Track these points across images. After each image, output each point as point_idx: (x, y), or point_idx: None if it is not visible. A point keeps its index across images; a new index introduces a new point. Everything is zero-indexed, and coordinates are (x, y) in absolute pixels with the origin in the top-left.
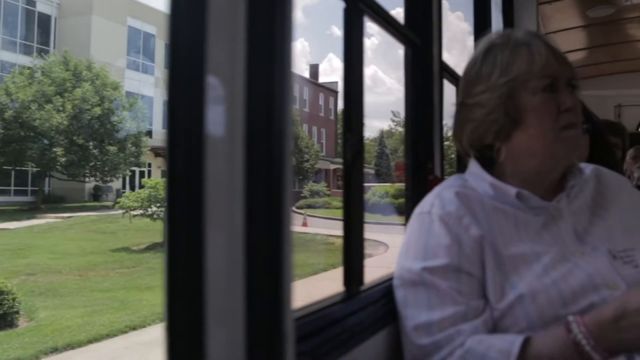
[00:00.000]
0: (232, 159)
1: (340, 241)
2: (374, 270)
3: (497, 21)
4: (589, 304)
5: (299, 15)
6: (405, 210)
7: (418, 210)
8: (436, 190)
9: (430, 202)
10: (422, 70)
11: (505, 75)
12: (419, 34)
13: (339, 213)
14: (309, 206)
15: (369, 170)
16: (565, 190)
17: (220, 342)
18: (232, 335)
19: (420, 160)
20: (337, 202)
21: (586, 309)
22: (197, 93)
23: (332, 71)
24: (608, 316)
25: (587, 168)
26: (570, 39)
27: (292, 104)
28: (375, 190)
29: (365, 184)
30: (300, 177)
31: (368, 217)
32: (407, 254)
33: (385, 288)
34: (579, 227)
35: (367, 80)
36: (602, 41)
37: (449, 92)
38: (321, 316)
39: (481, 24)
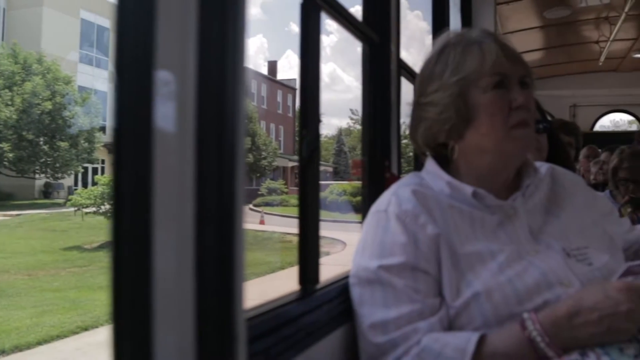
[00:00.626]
0: (182, 156)
1: (297, 239)
2: (331, 269)
3: (455, 20)
4: (543, 301)
5: (257, 12)
6: (362, 208)
7: (374, 208)
8: (393, 188)
9: (386, 201)
10: (380, 67)
11: (457, 74)
12: (377, 31)
13: (297, 211)
14: (267, 204)
15: (327, 168)
16: (520, 189)
17: (168, 344)
18: (180, 337)
19: (377, 158)
20: (295, 200)
21: (540, 307)
22: (145, 87)
23: (290, 68)
24: (562, 313)
25: (543, 167)
26: (528, 40)
27: (245, 99)
28: (333, 188)
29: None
30: (258, 175)
31: (326, 215)
32: (363, 252)
33: (341, 286)
34: (534, 225)
35: (326, 78)
36: (558, 42)
37: (407, 89)
38: (275, 315)
39: (439, 23)
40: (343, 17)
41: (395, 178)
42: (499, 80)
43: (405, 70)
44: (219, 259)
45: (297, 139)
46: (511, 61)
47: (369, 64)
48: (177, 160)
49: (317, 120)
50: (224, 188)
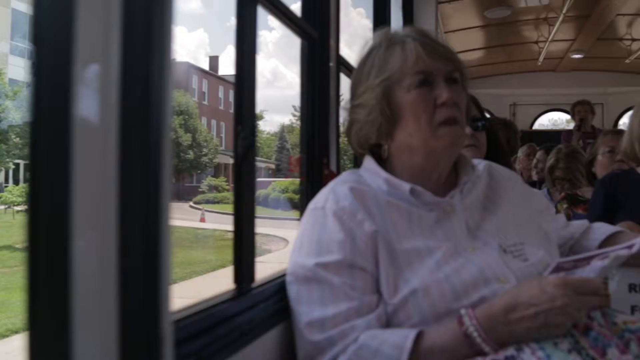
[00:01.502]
0: (104, 151)
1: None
2: (274, 266)
3: (396, 18)
4: (480, 297)
5: (197, 6)
6: (301, 206)
7: (312, 205)
8: (330, 185)
9: (324, 198)
10: (319, 64)
11: (380, 75)
12: (316, 28)
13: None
14: (208, 201)
15: (270, 165)
16: (458, 187)
17: (89, 348)
18: (102, 340)
19: (315, 155)
20: None
21: (477, 303)
22: (64, 80)
23: (232, 63)
24: (499, 308)
25: (480, 164)
26: (469, 39)
27: (172, 93)
28: (275, 186)
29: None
30: (199, 172)
31: (268, 212)
32: (300, 250)
33: (278, 285)
34: (472, 222)
35: (268, 74)
36: (499, 41)
37: (348, 86)
38: (208, 315)
39: (380, 21)
40: (281, 12)
41: (334, 175)
42: (422, 78)
43: (344, 66)
44: (143, 257)
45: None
46: (435, 58)
47: (307, 60)
48: (99, 156)
49: (252, 117)
50: (149, 185)
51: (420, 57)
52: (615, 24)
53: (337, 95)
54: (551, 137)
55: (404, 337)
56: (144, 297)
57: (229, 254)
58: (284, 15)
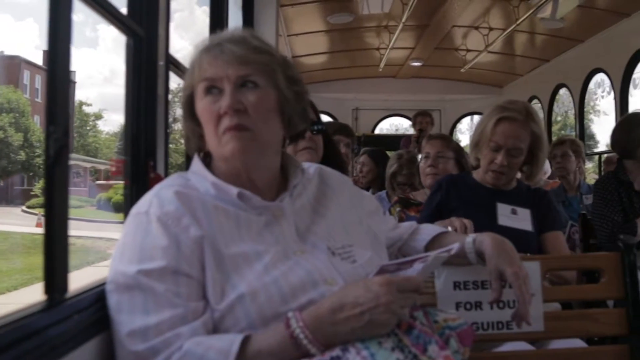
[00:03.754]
0: None
1: (80, 241)
2: None
3: (236, 19)
4: (308, 300)
5: None
6: (125, 211)
7: (135, 210)
8: (155, 189)
9: (148, 202)
10: (146, 62)
11: (186, 81)
12: (143, 25)
13: (79, 212)
14: (43, 205)
15: (112, 167)
16: (288, 190)
17: None
18: None
19: (140, 157)
20: (76, 200)
21: (305, 305)
22: None
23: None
24: (325, 310)
25: (311, 167)
26: (313, 43)
27: None
28: (118, 188)
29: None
30: (31, 174)
31: (111, 216)
32: (122, 257)
33: (96, 294)
34: (302, 225)
35: (106, 72)
36: (342, 47)
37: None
38: (14, 329)
39: (217, 22)
40: (100, 7)
41: (161, 178)
42: (207, 86)
43: (174, 65)
44: None
45: (75, 135)
46: (220, 65)
47: (133, 58)
48: None
49: (66, 115)
50: None
51: (205, 64)
52: (452, 34)
53: (166, 95)
54: (392, 141)
55: (230, 342)
56: None
57: (72, 258)
58: (104, 9)
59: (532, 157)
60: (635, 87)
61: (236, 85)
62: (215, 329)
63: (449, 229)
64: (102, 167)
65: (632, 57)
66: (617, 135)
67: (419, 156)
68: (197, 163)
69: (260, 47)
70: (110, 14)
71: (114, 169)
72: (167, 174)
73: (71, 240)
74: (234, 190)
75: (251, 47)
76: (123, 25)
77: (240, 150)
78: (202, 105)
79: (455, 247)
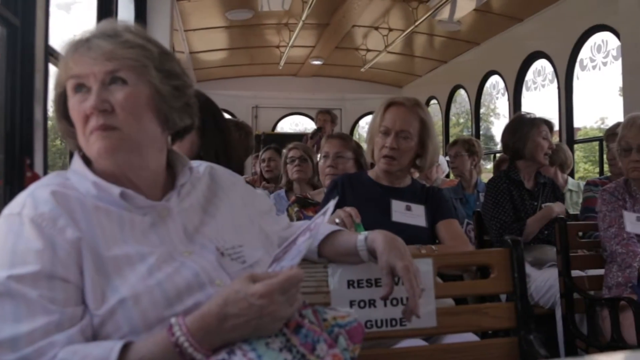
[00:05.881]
0: None
1: None
2: None
3: (127, 11)
4: (194, 303)
5: None
6: None
7: (7, 211)
8: (30, 189)
9: (21, 203)
10: (21, 54)
11: (55, 80)
12: (19, 15)
13: None
14: None
15: None
16: (175, 189)
17: None
18: None
19: (15, 155)
20: None
21: (192, 308)
22: None
23: None
24: (210, 317)
25: (201, 166)
26: (212, 39)
27: None
28: None
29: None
30: None
31: None
32: None
33: None
34: (190, 226)
35: None
36: (241, 43)
37: None
38: None
39: (104, 12)
40: None
41: (38, 177)
42: (74, 84)
43: (54, 57)
44: None
45: None
46: (85, 62)
47: (7, 50)
48: None
49: None
50: None
51: (71, 61)
52: (352, 34)
53: (45, 88)
54: (293, 140)
55: (108, 349)
56: None
57: None
58: None
59: (422, 147)
60: (527, 89)
61: (103, 83)
62: (95, 335)
63: (337, 221)
64: None
65: (524, 60)
66: (506, 136)
67: (318, 155)
68: (77, 161)
69: (131, 40)
70: None
71: None
72: (46, 173)
73: None
74: (116, 189)
75: (121, 42)
76: None
77: (107, 150)
78: (71, 104)
79: (330, 206)
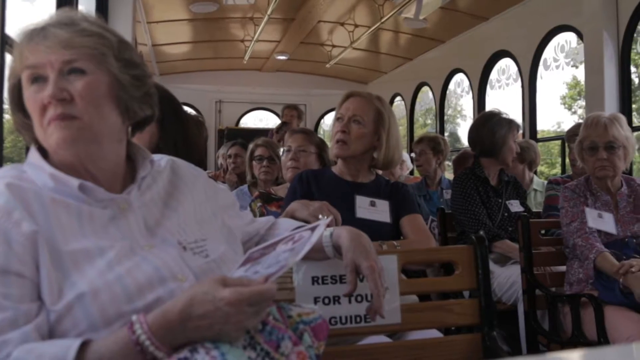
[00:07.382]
0: None
1: None
2: None
3: (88, 2)
4: (155, 298)
5: None
6: None
7: None
8: None
9: None
10: None
11: (9, 71)
12: None
13: None
14: None
15: None
16: (136, 182)
17: None
18: None
19: None
20: None
21: (153, 304)
22: None
23: None
24: (173, 317)
25: (162, 159)
26: (175, 31)
27: None
28: None
29: None
30: None
31: None
32: None
33: None
34: (151, 219)
35: None
36: (205, 37)
37: None
38: None
39: (65, 3)
40: None
41: None
42: (30, 74)
43: (11, 46)
44: None
45: None
46: (41, 50)
47: None
48: None
49: None
50: None
51: (27, 50)
52: (318, 29)
53: (2, 79)
54: (257, 135)
55: (65, 348)
56: None
57: None
58: None
59: (378, 139)
60: (492, 87)
61: (61, 72)
62: (51, 332)
63: (320, 217)
64: None
65: (489, 58)
66: (473, 134)
67: (281, 150)
68: (33, 154)
69: (88, 29)
70: None
71: None
72: (0, 166)
73: None
74: (74, 182)
75: (77, 30)
76: None
77: (66, 140)
78: (27, 95)
79: (321, 224)
